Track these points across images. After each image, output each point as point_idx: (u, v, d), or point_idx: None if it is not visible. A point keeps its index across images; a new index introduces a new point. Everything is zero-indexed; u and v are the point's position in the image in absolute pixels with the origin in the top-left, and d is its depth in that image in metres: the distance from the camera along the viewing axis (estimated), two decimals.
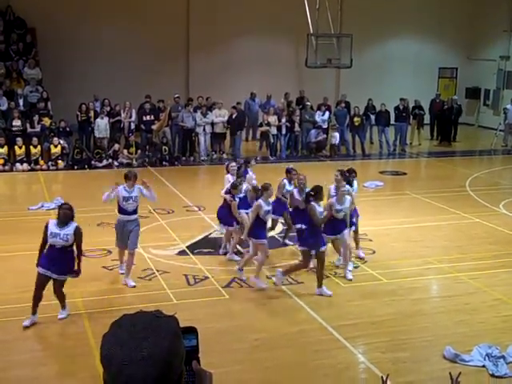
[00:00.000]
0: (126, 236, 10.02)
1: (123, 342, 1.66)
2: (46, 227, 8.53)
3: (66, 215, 8.46)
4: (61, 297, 8.65)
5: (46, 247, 8.53)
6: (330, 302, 9.61)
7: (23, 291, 9.46)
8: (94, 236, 12.23)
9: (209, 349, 8.19)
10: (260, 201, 10.01)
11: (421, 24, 27.89)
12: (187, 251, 11.72)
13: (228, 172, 12.05)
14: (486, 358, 7.65)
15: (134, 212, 10.07)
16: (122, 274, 10.31)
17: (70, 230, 8.42)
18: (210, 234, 12.89)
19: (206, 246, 12.07)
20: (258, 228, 10.02)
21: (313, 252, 9.67)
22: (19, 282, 9.87)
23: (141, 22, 24.22)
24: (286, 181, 12.17)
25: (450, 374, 4.55)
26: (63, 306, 8.73)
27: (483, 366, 7.59)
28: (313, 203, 9.60)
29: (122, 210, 10.10)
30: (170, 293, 9.68)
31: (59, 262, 8.43)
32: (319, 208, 9.73)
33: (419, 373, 7.73)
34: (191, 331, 1.93)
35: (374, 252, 11.76)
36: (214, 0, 25.20)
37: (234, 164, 12.44)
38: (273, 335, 8.41)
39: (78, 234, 8.47)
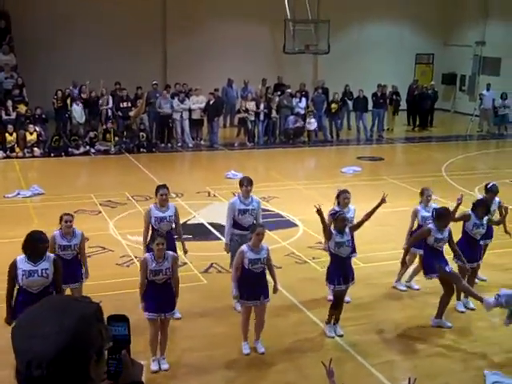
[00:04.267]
0: None
1: (30, 318, 1.65)
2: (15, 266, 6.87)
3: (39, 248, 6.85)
4: None
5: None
6: (307, 286, 9.70)
7: None
8: None
9: (190, 333, 8.28)
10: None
11: (397, 9, 27.98)
12: None
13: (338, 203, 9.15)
14: None
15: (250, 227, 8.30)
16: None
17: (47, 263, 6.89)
18: (187, 220, 12.89)
19: (183, 232, 12.05)
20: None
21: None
22: None
23: (117, 7, 24.01)
24: None
25: (322, 362, 4.66)
26: None
27: None
28: None
29: (236, 225, 8.70)
30: None
31: None
32: None
33: (395, 353, 7.87)
34: (122, 320, 1.88)
35: None
36: None
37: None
38: (251, 319, 8.46)
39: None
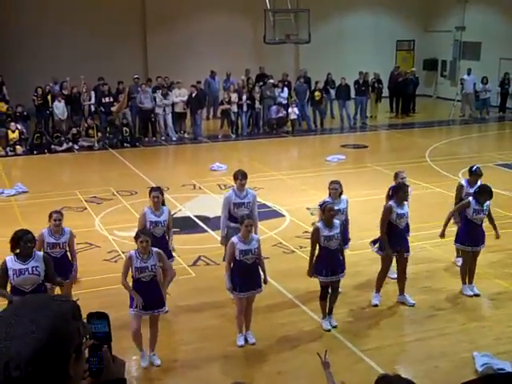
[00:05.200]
0: None
1: (5, 318, 1.64)
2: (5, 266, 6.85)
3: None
4: None
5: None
6: (295, 274, 9.71)
7: None
8: None
9: (178, 327, 8.30)
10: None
11: None
12: None
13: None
14: None
15: None
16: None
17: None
18: (174, 213, 12.84)
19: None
20: None
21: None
22: None
23: (96, 2, 23.83)
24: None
25: (317, 354, 4.73)
26: None
27: None
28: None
29: (232, 218, 8.59)
30: None
31: None
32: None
33: (383, 340, 7.91)
34: (102, 317, 1.88)
35: None
36: None
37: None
38: None
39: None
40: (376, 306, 8.68)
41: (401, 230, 8.61)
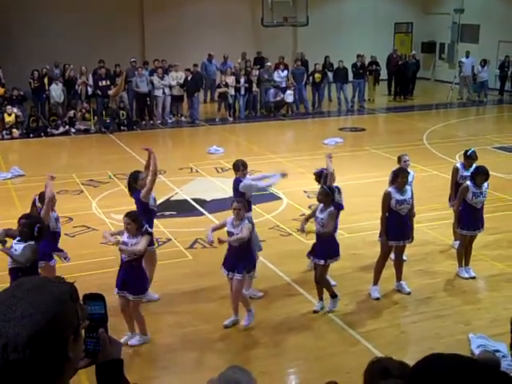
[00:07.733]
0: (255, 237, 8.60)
1: (2, 300, 1.62)
2: None
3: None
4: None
5: None
6: (292, 257, 9.74)
7: None
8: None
9: (176, 309, 8.31)
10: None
11: None
12: None
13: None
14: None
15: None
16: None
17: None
18: (171, 196, 12.88)
19: (167, 209, 12.07)
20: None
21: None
22: None
23: None
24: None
25: None
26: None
27: None
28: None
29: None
30: None
31: None
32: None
33: (380, 322, 7.94)
34: (98, 299, 1.87)
35: None
36: None
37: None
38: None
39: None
40: (377, 299, 8.46)
41: (402, 218, 8.35)
